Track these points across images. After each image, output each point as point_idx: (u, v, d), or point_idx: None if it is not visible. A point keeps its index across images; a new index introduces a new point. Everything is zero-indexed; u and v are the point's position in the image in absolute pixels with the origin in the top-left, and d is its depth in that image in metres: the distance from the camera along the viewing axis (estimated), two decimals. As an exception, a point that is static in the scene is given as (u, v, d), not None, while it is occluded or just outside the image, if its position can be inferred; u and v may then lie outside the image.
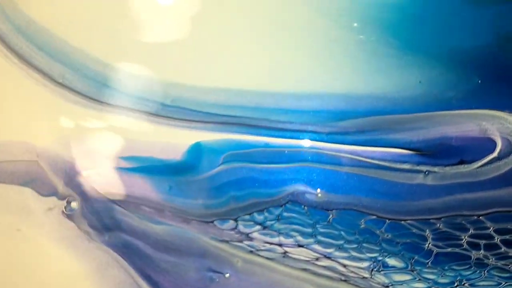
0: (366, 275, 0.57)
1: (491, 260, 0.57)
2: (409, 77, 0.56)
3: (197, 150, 0.56)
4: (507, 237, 0.57)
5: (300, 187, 0.56)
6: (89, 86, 0.56)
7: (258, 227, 0.57)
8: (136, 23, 0.56)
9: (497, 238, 0.57)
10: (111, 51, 0.56)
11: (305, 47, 0.56)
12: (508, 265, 0.58)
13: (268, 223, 0.57)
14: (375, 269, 0.57)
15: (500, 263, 0.58)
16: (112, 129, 0.57)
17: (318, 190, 0.56)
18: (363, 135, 0.56)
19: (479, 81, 0.56)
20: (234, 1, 0.56)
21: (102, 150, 0.57)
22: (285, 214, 0.57)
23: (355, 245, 0.57)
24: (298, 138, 0.56)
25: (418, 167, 0.56)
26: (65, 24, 0.56)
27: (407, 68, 0.56)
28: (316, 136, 0.56)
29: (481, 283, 0.58)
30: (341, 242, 0.57)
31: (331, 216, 0.57)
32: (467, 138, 0.57)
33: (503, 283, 0.58)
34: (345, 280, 0.57)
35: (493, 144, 0.57)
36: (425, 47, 0.56)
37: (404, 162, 0.56)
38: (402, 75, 0.56)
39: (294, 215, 0.57)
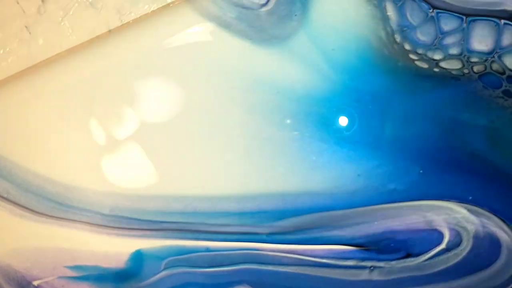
0: None
1: None
2: (347, 171, 0.54)
3: (138, 257, 0.56)
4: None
5: (244, 290, 0.56)
6: (32, 200, 0.57)
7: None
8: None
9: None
10: (50, 165, 0.57)
11: (239, 148, 0.55)
12: None
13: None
14: None
15: None
16: (59, 240, 0.58)
17: (262, 291, 0.56)
18: (303, 233, 0.55)
19: (421, 171, 0.54)
20: (166, 106, 0.55)
21: (50, 260, 0.58)
22: (230, 316, 0.56)
23: None
24: (237, 240, 0.56)
25: (363, 263, 0.55)
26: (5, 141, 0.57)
27: (344, 162, 0.54)
28: (256, 237, 0.55)
29: None
30: None
31: (276, 316, 0.56)
32: (413, 230, 0.55)
33: None
34: None
35: (441, 235, 0.55)
36: (361, 139, 0.54)
37: (348, 258, 0.55)
38: (339, 169, 0.54)
39: (240, 317, 0.56)
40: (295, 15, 0.52)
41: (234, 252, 0.56)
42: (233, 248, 0.56)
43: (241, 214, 0.55)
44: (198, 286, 0.56)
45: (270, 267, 0.55)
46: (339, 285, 0.55)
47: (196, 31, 0.53)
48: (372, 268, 0.54)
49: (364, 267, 0.55)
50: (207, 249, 0.56)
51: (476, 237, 0.54)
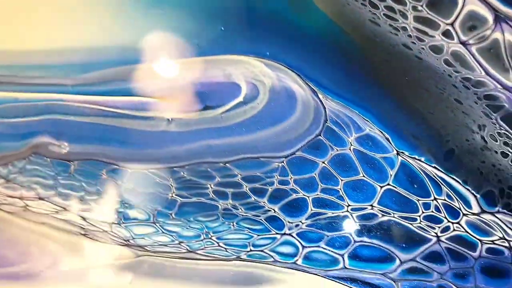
0: (106, 228, 0.54)
1: (240, 210, 0.53)
2: (153, 28, 0.57)
3: None
4: (257, 185, 0.53)
5: (45, 139, 0.56)
6: None
7: (1, 181, 0.56)
8: None
9: (246, 187, 0.53)
10: None
11: (49, 2, 0.58)
12: (259, 216, 0.53)
13: (11, 176, 0.56)
14: (115, 222, 0.54)
15: (250, 214, 0.53)
16: None
17: (62, 141, 0.55)
18: (107, 85, 0.56)
19: (222, 28, 0.56)
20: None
21: None
22: (28, 166, 0.55)
23: (95, 197, 0.54)
24: (44, 92, 0.57)
25: (161, 114, 0.55)
26: None
27: (151, 18, 0.57)
28: (62, 89, 0.56)
29: (230, 236, 0.53)
30: (82, 193, 0.54)
31: (72, 167, 0.55)
32: (212, 84, 0.55)
33: (255, 236, 0.53)
34: (84, 234, 0.54)
35: (239, 89, 0.55)
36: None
37: (148, 109, 0.55)
38: (147, 26, 0.57)
39: (37, 167, 0.55)
40: None
41: (40, 103, 0.56)
42: (39, 99, 0.56)
43: (50, 67, 0.57)
44: (1, 136, 0.56)
45: (72, 117, 0.56)
46: (137, 135, 0.54)
47: None
48: (170, 119, 0.54)
49: (162, 119, 0.54)
50: (16, 100, 0.57)
51: (273, 90, 0.54)
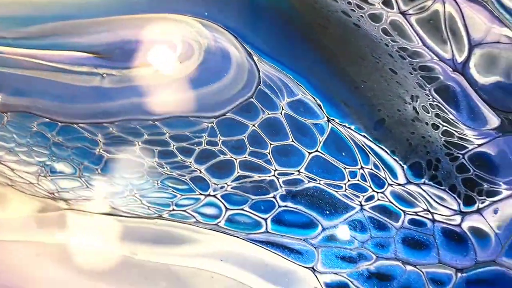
0: (33, 180, 0.53)
1: (166, 169, 0.52)
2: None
3: None
4: (184, 144, 0.52)
5: (-21, 90, 0.55)
6: None
7: None
8: None
9: (173, 146, 0.52)
10: None
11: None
12: (185, 176, 0.52)
13: None
14: (42, 175, 0.53)
15: (176, 173, 0.52)
16: None
17: (-3, 93, 0.55)
18: (46, 39, 0.56)
19: (162, -13, 0.55)
20: None
21: None
22: (-40, 116, 0.55)
23: (25, 149, 0.54)
24: (-17, 42, 0.56)
25: (96, 70, 0.54)
26: None
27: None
28: (2, 41, 0.56)
29: (154, 195, 0.52)
30: (12, 145, 0.54)
31: (6, 118, 0.55)
32: (148, 41, 0.55)
33: (179, 195, 0.52)
34: (11, 185, 0.54)
35: (174, 47, 0.54)
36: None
37: (83, 64, 0.55)
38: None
39: (-32, 117, 0.55)
40: None
41: (-23, 54, 0.56)
42: (-23, 49, 0.56)
43: (-9, 18, 0.57)
44: None
45: (10, 70, 0.55)
46: (70, 90, 0.54)
47: None
48: (104, 75, 0.54)
49: (96, 74, 0.54)
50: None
51: (208, 51, 0.53)
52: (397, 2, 0.53)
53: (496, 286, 0.50)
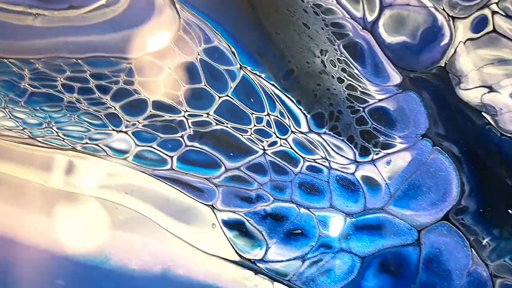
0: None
1: (83, 104, 0.55)
2: None
3: None
4: (103, 83, 0.55)
5: None
6: None
7: None
8: None
9: (92, 83, 0.55)
10: None
11: None
12: (100, 112, 0.55)
13: None
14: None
15: (92, 109, 0.55)
16: None
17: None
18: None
19: None
20: None
21: None
22: None
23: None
24: None
25: (29, 10, 0.57)
26: None
27: None
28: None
29: (69, 128, 0.55)
30: None
31: None
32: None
33: (93, 130, 0.55)
34: None
35: (104, -7, 0.57)
36: None
37: (17, 4, 0.58)
38: None
39: None
40: None
41: None
42: None
43: None
44: None
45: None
46: (5, 27, 0.57)
47: None
48: (36, 15, 0.57)
49: (29, 14, 0.57)
50: None
51: (134, -3, 0.56)
52: (316, -39, 0.56)
53: (381, 231, 0.52)
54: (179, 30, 0.55)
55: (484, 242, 0.52)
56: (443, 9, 0.54)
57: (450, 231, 0.53)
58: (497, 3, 0.54)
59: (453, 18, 0.54)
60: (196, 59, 0.55)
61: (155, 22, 0.56)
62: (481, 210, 0.53)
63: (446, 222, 0.53)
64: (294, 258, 0.53)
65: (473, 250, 0.52)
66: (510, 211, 0.53)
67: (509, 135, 0.53)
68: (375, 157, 0.52)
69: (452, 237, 0.53)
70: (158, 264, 0.54)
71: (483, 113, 0.53)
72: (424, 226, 0.52)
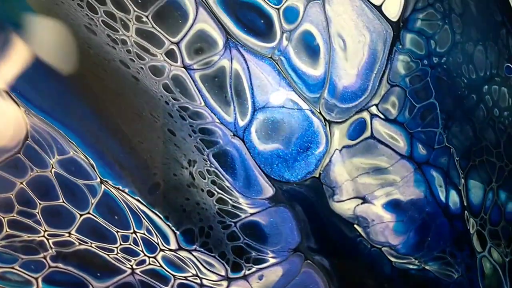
0: None
1: None
2: None
3: None
4: None
5: None
6: None
7: None
8: None
9: None
10: None
11: None
12: None
13: None
14: None
15: None
16: None
17: None
18: None
19: None
20: None
21: None
22: None
23: None
24: None
25: None
26: None
27: None
28: None
29: None
30: None
31: None
32: None
33: None
34: None
35: None
36: None
37: None
38: None
39: None
40: None
41: None
42: None
43: None
44: None
45: None
46: None
47: None
48: None
49: None
50: None
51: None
52: (181, 54, 0.48)
53: None
54: (27, 139, 0.48)
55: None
56: (320, 113, 0.49)
57: None
58: (377, 105, 0.50)
59: (330, 122, 0.50)
60: (51, 172, 0.49)
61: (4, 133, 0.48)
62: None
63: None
64: None
65: None
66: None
67: (378, 246, 0.52)
68: (247, 272, 0.51)
69: None
70: None
71: (355, 225, 0.51)
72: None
